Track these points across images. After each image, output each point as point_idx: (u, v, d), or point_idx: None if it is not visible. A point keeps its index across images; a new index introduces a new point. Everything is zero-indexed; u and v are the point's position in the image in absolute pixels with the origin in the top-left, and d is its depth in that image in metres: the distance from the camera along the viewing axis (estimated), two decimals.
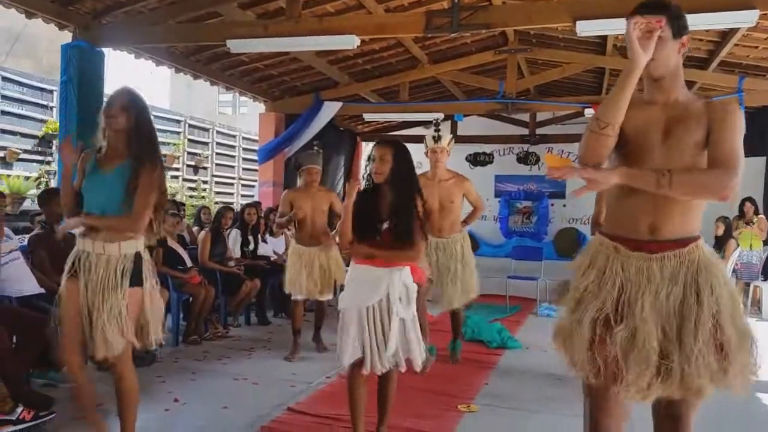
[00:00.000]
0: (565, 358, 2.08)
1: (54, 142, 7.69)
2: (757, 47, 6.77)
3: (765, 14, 4.75)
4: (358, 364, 2.94)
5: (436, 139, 4.72)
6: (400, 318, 2.92)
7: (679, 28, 1.99)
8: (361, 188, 3.10)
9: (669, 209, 1.97)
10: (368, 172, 3.07)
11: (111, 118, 2.75)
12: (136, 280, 2.76)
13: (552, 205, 11.93)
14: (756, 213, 7.97)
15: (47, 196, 4.64)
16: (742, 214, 8.03)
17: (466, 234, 4.96)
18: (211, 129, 12.09)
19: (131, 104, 2.78)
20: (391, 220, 2.93)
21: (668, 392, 1.93)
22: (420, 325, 4.73)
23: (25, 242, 4.57)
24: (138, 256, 2.79)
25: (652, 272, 1.96)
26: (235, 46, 5.72)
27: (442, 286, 4.67)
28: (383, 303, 2.91)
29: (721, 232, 7.90)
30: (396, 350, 2.92)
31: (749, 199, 8.07)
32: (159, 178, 2.79)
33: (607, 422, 2.05)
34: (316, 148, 5.60)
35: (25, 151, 7.65)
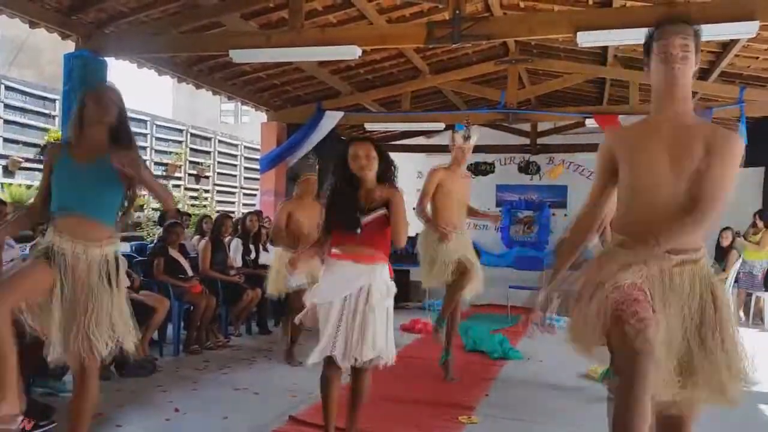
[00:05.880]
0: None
1: None
2: (757, 58, 6.78)
3: (765, 25, 4.77)
4: (331, 359, 2.93)
5: (466, 137, 4.76)
6: (380, 310, 2.93)
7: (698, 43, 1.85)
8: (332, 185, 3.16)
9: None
10: (346, 171, 3.09)
11: (103, 109, 2.77)
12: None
13: (553, 214, 11.93)
14: (766, 225, 7.96)
15: None
16: (754, 225, 8.04)
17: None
18: (213, 138, 12.14)
19: (120, 98, 2.87)
20: (376, 211, 2.98)
21: (690, 394, 1.92)
22: (453, 318, 4.80)
23: (27, 251, 4.57)
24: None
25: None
26: (238, 56, 5.74)
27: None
28: (362, 296, 2.93)
29: (727, 242, 7.88)
30: (378, 344, 2.92)
31: (761, 211, 8.11)
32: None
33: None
34: (311, 159, 5.68)
35: (28, 160, 7.68)
